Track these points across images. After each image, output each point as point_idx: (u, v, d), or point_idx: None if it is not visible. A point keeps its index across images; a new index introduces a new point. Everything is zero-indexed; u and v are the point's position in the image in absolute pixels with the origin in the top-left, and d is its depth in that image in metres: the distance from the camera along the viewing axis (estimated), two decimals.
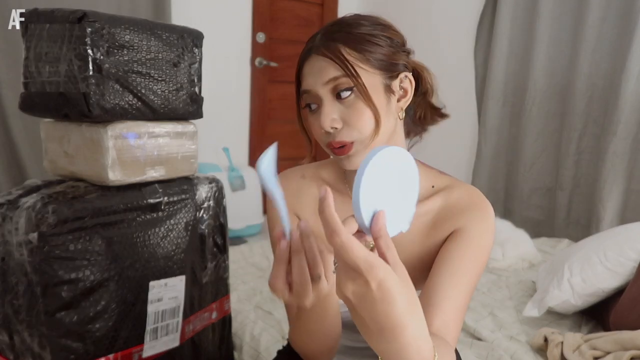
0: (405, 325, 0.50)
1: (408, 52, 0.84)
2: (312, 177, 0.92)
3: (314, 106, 0.79)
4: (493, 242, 0.83)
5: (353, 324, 0.85)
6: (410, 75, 0.82)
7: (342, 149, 0.77)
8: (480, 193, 0.86)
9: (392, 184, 0.56)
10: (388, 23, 0.82)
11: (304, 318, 0.76)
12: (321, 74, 0.76)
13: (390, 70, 0.79)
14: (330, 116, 0.75)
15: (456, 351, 0.87)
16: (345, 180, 0.90)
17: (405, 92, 0.81)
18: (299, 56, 0.80)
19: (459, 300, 0.76)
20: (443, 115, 0.89)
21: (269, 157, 0.58)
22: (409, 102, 0.82)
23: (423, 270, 0.85)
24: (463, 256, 0.79)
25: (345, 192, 0.89)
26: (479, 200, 0.84)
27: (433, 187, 0.86)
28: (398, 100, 0.81)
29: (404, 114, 0.82)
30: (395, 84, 0.80)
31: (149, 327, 1.18)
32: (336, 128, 0.76)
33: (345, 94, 0.75)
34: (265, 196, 0.94)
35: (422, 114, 0.89)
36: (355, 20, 0.79)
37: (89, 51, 1.04)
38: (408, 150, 0.86)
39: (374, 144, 0.77)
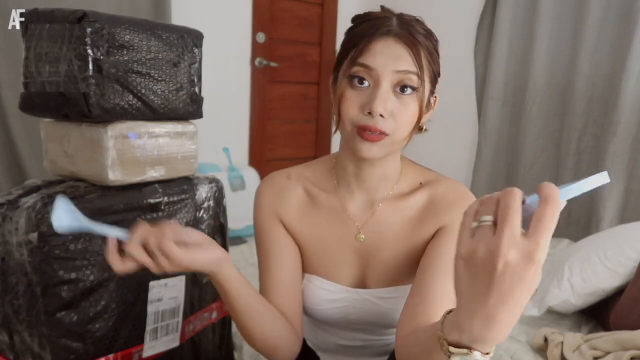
0: (522, 306, 0.47)
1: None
2: (297, 177, 0.93)
3: (365, 83, 0.76)
4: None
5: (347, 324, 0.88)
6: (437, 97, 0.85)
7: (374, 135, 0.76)
8: (466, 188, 0.88)
9: None
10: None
11: (231, 312, 0.82)
12: (396, 61, 0.75)
13: (433, 86, 0.82)
14: (385, 103, 0.75)
15: None
16: (333, 178, 0.90)
17: (430, 107, 0.84)
18: (366, 31, 0.77)
19: (450, 298, 0.75)
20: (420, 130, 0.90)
21: (60, 209, 0.70)
22: (428, 118, 0.85)
23: (409, 265, 0.86)
24: (451, 251, 0.78)
25: (332, 190, 0.90)
26: (465, 194, 0.85)
27: (421, 183, 0.88)
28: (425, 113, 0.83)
29: (424, 127, 0.84)
30: (431, 99, 0.83)
31: (149, 327, 1.18)
32: (383, 116, 0.75)
33: (407, 90, 0.76)
34: (255, 207, 0.96)
35: None
36: (428, 29, 0.81)
37: (89, 51, 1.04)
38: (400, 151, 0.88)
39: (401, 144, 0.80)
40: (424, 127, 0.86)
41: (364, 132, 0.76)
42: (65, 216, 0.69)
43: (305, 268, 0.93)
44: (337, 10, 3.52)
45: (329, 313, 0.91)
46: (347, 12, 3.54)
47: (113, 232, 0.74)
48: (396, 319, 0.84)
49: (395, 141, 0.78)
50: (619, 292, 1.44)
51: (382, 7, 0.83)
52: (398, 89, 0.76)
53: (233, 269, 0.78)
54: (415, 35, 0.76)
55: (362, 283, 0.90)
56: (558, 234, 2.56)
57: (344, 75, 0.79)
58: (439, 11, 3.13)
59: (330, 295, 0.90)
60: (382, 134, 0.76)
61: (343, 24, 3.52)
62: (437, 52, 0.81)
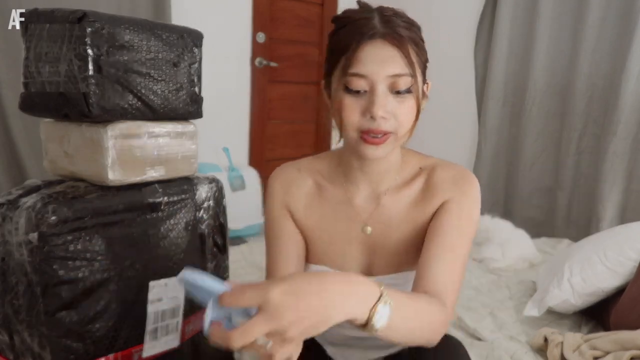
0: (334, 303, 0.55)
1: None
2: (307, 170, 0.95)
3: (361, 89, 0.77)
4: (479, 213, 0.87)
5: None
6: (429, 81, 0.85)
7: (378, 138, 0.77)
8: (465, 168, 0.90)
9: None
10: None
11: None
12: (386, 66, 0.75)
13: (425, 74, 0.83)
14: (385, 106, 0.76)
15: (462, 346, 0.91)
16: (340, 171, 0.93)
17: (425, 95, 0.85)
18: (352, 36, 0.76)
19: (452, 268, 0.80)
20: None
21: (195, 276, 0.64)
22: (424, 105, 0.85)
23: (414, 250, 0.89)
24: (452, 227, 0.83)
25: (339, 183, 0.92)
26: (464, 173, 0.88)
27: (420, 168, 0.91)
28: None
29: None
30: (424, 89, 0.84)
31: (149, 327, 1.18)
32: (385, 118, 0.76)
33: (403, 91, 0.77)
34: (265, 196, 0.96)
35: None
36: (409, 20, 0.80)
37: (89, 51, 1.04)
38: (406, 143, 0.90)
39: (403, 138, 0.81)
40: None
41: (369, 136, 0.78)
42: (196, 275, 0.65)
43: (312, 259, 0.95)
44: (337, 10, 3.52)
45: None
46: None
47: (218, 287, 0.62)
48: None
49: (399, 137, 0.80)
50: (619, 292, 1.44)
51: (358, 2, 0.82)
52: (394, 91, 0.77)
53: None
54: (400, 31, 0.76)
55: (368, 271, 0.92)
56: (558, 234, 2.57)
57: (339, 84, 0.79)
58: (439, 11, 3.14)
59: None
60: (386, 134, 0.78)
61: None
62: (421, 39, 0.81)
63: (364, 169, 0.88)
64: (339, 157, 0.93)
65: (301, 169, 0.95)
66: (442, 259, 0.81)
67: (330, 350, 1.00)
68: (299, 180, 0.94)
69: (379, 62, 0.75)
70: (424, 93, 0.83)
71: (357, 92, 0.77)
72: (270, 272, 0.92)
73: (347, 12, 0.80)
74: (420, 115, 0.83)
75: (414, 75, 0.76)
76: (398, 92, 0.76)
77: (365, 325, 0.60)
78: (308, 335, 0.56)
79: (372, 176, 0.89)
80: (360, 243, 0.91)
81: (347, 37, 0.77)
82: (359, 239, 0.91)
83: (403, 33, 0.76)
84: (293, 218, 0.94)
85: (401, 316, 0.63)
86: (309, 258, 0.95)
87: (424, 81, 0.83)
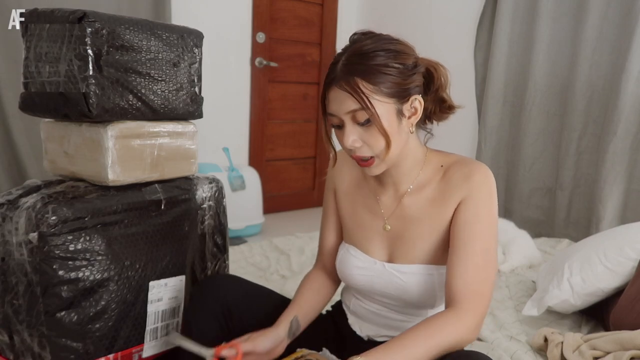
0: None
1: (419, 71, 0.92)
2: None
3: (338, 125, 0.90)
4: (495, 203, 0.93)
5: (372, 293, 1.04)
6: (419, 97, 0.91)
7: (364, 162, 0.91)
8: (479, 163, 0.95)
9: None
10: (401, 48, 0.89)
11: None
12: (342, 105, 0.87)
13: (402, 96, 0.89)
14: (351, 137, 0.88)
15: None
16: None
17: (416, 110, 0.92)
18: (324, 81, 0.90)
19: (471, 269, 0.88)
20: (452, 108, 1.00)
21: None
22: (418, 118, 0.92)
23: (432, 246, 0.96)
24: (468, 226, 0.90)
25: (373, 179, 1.03)
26: (475, 169, 0.93)
27: (442, 166, 0.97)
28: (409, 118, 0.91)
29: (414, 129, 0.93)
30: (407, 106, 0.90)
31: (149, 327, 1.18)
32: (356, 147, 0.89)
33: (363, 122, 0.87)
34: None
35: (432, 110, 0.98)
36: (373, 50, 0.86)
37: (89, 51, 1.04)
38: (424, 143, 1.00)
39: (388, 157, 0.90)
40: (429, 130, 0.99)
41: (357, 160, 0.91)
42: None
43: (346, 237, 1.09)
44: (337, 10, 3.52)
45: (358, 279, 1.02)
46: (347, 12, 3.54)
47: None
48: (414, 297, 0.96)
49: (382, 158, 0.90)
50: (618, 293, 1.44)
51: (350, 36, 0.92)
52: (355, 122, 0.88)
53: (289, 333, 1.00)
54: (352, 71, 0.85)
55: (389, 258, 1.01)
56: (558, 234, 2.57)
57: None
58: (439, 11, 3.14)
59: (360, 263, 1.02)
60: (371, 157, 0.90)
61: (343, 24, 3.53)
62: (391, 65, 0.86)
63: (386, 171, 0.96)
64: None
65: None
66: (458, 263, 0.89)
67: (351, 319, 1.10)
68: (350, 164, 1.06)
69: (337, 102, 0.88)
70: (404, 113, 0.90)
71: (337, 126, 0.91)
72: (321, 237, 1.15)
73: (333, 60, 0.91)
74: (413, 128, 0.92)
75: (367, 108, 0.85)
76: (361, 124, 0.87)
77: None
78: None
79: (390, 178, 0.99)
80: (382, 235, 1.02)
81: (325, 81, 0.91)
82: (381, 232, 1.01)
83: (355, 72, 0.85)
84: (336, 198, 1.10)
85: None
86: (344, 236, 1.10)
87: (403, 100, 0.88)
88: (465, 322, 0.84)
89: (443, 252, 0.96)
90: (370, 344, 1.02)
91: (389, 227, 1.00)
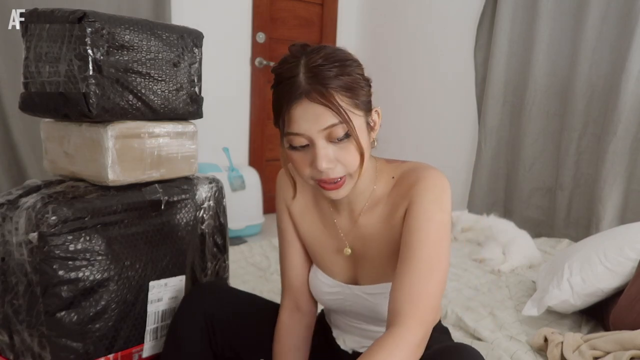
0: None
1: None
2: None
3: (302, 145, 0.80)
4: (443, 209, 0.85)
5: (345, 312, 1.00)
6: (378, 108, 0.87)
7: (334, 184, 0.82)
8: (427, 167, 0.89)
9: None
10: (356, 57, 0.83)
11: None
12: (318, 121, 0.77)
13: (368, 108, 0.84)
14: (326, 158, 0.79)
15: (446, 329, 1.01)
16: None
17: (375, 123, 0.86)
18: (283, 97, 0.80)
19: (418, 271, 0.80)
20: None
21: None
22: (377, 130, 0.87)
23: (393, 261, 0.90)
24: (410, 234, 0.83)
25: (327, 201, 0.97)
26: (421, 174, 0.87)
27: (393, 177, 0.92)
28: (372, 131, 0.86)
29: (375, 143, 0.87)
30: (370, 119, 0.85)
31: (149, 327, 1.18)
32: (330, 168, 0.80)
33: (340, 138, 0.79)
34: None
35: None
36: (341, 59, 0.80)
37: (89, 51, 1.04)
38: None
39: (359, 175, 0.83)
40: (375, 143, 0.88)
41: (325, 183, 0.82)
42: None
43: (313, 260, 1.03)
44: (337, 10, 3.52)
45: (330, 302, 1.00)
46: (347, 12, 3.54)
47: None
48: (384, 312, 0.89)
49: (354, 176, 0.83)
50: (618, 293, 1.44)
51: (290, 48, 0.83)
52: (329, 139, 0.79)
53: None
54: (325, 83, 0.77)
55: (354, 280, 0.98)
56: (558, 234, 2.57)
57: (284, 142, 0.83)
58: (439, 11, 3.14)
59: (328, 288, 0.99)
60: (341, 179, 0.81)
61: (343, 24, 3.53)
62: (358, 76, 0.81)
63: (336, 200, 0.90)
64: None
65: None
66: (401, 275, 0.81)
67: (335, 332, 1.07)
68: (300, 185, 0.99)
69: (310, 119, 0.77)
70: (371, 126, 0.85)
71: (300, 148, 0.80)
72: (282, 262, 1.04)
73: (278, 69, 0.83)
74: (375, 143, 0.86)
75: (347, 121, 0.77)
76: (338, 140, 0.79)
77: None
78: None
79: (348, 198, 0.92)
80: (345, 258, 0.97)
81: (280, 97, 0.81)
82: (343, 255, 0.97)
83: (329, 84, 0.77)
84: (292, 219, 1.02)
85: None
86: (311, 258, 1.04)
87: (369, 113, 0.84)
88: (412, 341, 0.77)
89: None
90: (355, 356, 1.01)
91: (349, 252, 0.95)
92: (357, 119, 0.80)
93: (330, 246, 0.98)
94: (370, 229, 0.92)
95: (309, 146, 0.80)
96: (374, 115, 0.86)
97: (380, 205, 0.91)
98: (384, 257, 0.92)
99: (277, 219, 1.04)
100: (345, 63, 0.79)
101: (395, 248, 0.89)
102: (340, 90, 0.77)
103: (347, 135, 0.79)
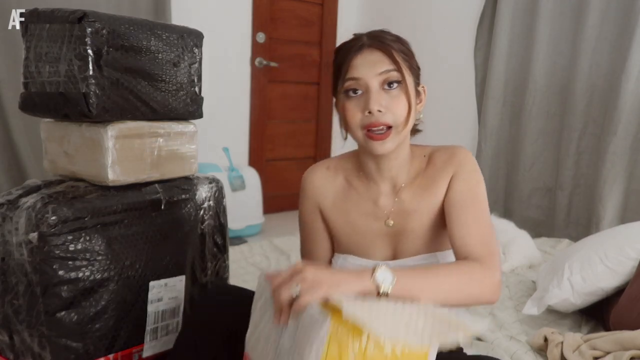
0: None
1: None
2: (336, 167, 1.07)
3: (358, 92, 0.92)
4: (481, 175, 0.98)
5: None
6: (424, 87, 0.99)
7: (381, 134, 0.90)
8: (455, 145, 1.02)
9: None
10: None
11: None
12: (375, 66, 0.90)
13: (418, 77, 0.97)
14: (379, 100, 0.89)
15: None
16: (361, 168, 1.04)
17: (421, 98, 0.99)
18: (345, 54, 0.92)
19: (478, 231, 0.91)
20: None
21: None
22: (423, 106, 0.99)
23: (434, 233, 0.99)
24: (464, 196, 0.95)
25: (364, 180, 1.03)
26: (455, 150, 1.00)
27: (424, 156, 1.02)
28: (419, 103, 0.98)
29: (421, 115, 0.99)
30: (419, 90, 0.98)
31: (149, 327, 1.18)
32: (381, 111, 0.89)
33: (393, 85, 0.91)
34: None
35: None
36: (396, 35, 0.95)
37: (89, 51, 1.04)
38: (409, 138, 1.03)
39: (404, 131, 0.93)
40: (418, 125, 1.01)
41: (372, 132, 0.90)
42: None
43: (339, 248, 1.07)
44: (337, 10, 3.52)
45: None
46: (347, 12, 3.54)
47: None
48: None
49: (399, 130, 0.92)
50: (619, 292, 1.44)
51: (354, 34, 0.96)
52: (386, 86, 0.91)
53: None
54: (384, 40, 0.92)
55: (393, 257, 1.02)
56: (558, 234, 2.57)
57: (340, 92, 0.94)
58: (439, 11, 3.14)
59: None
60: (387, 127, 0.90)
61: (343, 24, 3.52)
62: (410, 50, 0.95)
63: (380, 166, 0.99)
64: (359, 158, 1.04)
65: (330, 167, 1.07)
66: (466, 227, 0.92)
67: None
68: (329, 178, 1.06)
69: (368, 65, 0.90)
70: (418, 94, 0.97)
71: (355, 93, 0.91)
72: (311, 257, 1.09)
73: (344, 42, 0.96)
74: (418, 116, 0.97)
75: (400, 70, 0.90)
76: (390, 85, 0.90)
77: (379, 292, 0.76)
78: (324, 295, 0.74)
79: (388, 172, 1.00)
80: (384, 235, 1.02)
81: (342, 56, 0.93)
82: (383, 232, 1.01)
83: (387, 41, 0.92)
84: (322, 214, 1.06)
85: (412, 275, 0.81)
86: (336, 248, 1.08)
87: (418, 83, 0.97)
88: (490, 276, 0.86)
89: (444, 237, 0.99)
90: None
91: (392, 223, 1.00)
92: (409, 78, 0.92)
93: (368, 226, 1.02)
94: (411, 202, 0.99)
95: (364, 94, 0.91)
96: (422, 90, 0.98)
97: (418, 180, 1.00)
98: (425, 229, 0.99)
99: (303, 220, 1.09)
100: (402, 39, 0.94)
101: (435, 220, 0.98)
102: (397, 50, 0.91)
103: (399, 83, 0.90)
